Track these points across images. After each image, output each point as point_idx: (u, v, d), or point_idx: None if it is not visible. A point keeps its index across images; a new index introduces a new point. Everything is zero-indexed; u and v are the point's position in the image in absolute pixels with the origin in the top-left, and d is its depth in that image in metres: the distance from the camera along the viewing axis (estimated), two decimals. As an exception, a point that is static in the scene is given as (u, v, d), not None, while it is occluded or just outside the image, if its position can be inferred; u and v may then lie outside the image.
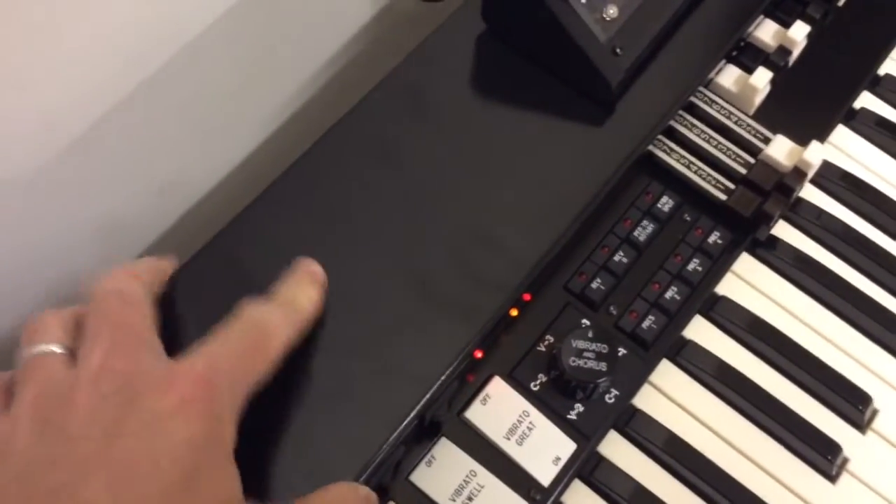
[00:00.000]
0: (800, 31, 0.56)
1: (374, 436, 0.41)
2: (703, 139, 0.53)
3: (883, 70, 0.60)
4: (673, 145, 0.53)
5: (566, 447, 0.46)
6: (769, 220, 0.52)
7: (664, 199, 0.52)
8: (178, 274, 0.43)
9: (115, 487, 0.32)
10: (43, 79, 0.42)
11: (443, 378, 0.42)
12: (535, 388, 0.47)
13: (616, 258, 0.50)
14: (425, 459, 0.45)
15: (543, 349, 0.48)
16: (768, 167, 0.53)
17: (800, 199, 0.55)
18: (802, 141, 0.53)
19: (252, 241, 0.45)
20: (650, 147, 0.53)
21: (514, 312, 0.48)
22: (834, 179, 0.56)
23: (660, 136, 0.53)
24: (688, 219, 0.52)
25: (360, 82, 0.52)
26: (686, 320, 0.50)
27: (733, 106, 0.55)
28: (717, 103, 0.55)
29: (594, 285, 0.49)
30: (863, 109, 0.59)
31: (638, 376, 0.48)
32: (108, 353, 0.35)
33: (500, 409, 0.46)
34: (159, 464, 0.33)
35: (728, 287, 0.52)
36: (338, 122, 0.48)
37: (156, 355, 0.36)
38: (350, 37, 0.61)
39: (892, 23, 0.61)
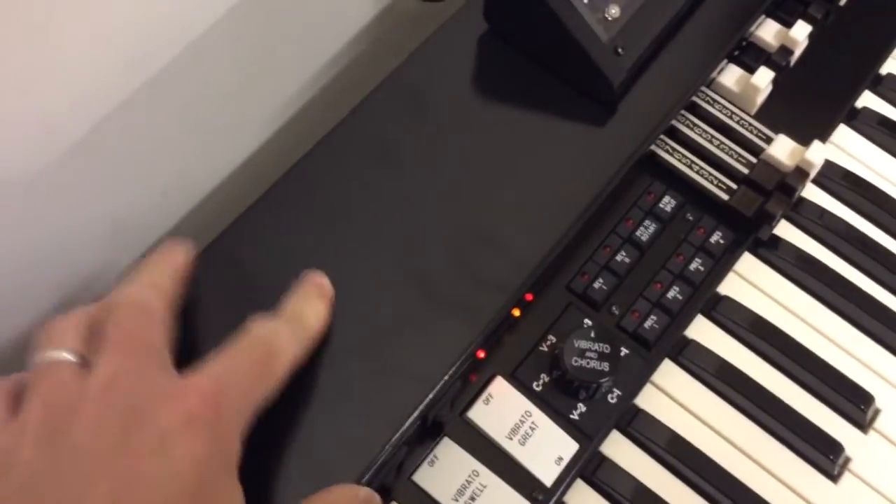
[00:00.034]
0: (801, 31, 0.56)
1: (376, 436, 0.41)
2: (705, 139, 0.53)
3: (885, 69, 0.60)
4: (675, 145, 0.53)
5: (568, 447, 0.46)
6: (771, 220, 0.52)
7: (666, 198, 0.52)
8: (199, 260, 0.43)
9: (118, 503, 0.32)
10: (44, 81, 0.42)
11: (445, 378, 0.42)
12: (537, 388, 0.47)
13: (618, 258, 0.50)
14: (428, 459, 0.45)
15: (546, 349, 0.48)
16: (770, 167, 0.53)
17: (802, 199, 0.55)
18: (804, 140, 0.53)
19: (254, 242, 0.45)
20: (652, 147, 0.53)
21: (516, 312, 0.48)
22: (836, 179, 0.56)
23: (662, 136, 0.53)
24: (690, 218, 0.52)
25: (361, 82, 0.52)
26: (688, 320, 0.50)
27: (735, 106, 0.55)
28: (718, 103, 0.55)
29: (596, 285, 0.49)
30: (864, 109, 0.59)
31: (640, 376, 0.48)
32: (119, 366, 0.35)
33: (502, 409, 0.46)
34: (164, 480, 0.33)
35: (730, 287, 0.52)
36: (340, 122, 0.48)
37: (166, 370, 0.36)
38: (351, 37, 0.61)
39: (894, 22, 0.60)
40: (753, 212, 0.52)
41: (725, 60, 0.56)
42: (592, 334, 0.46)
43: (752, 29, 0.57)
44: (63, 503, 0.32)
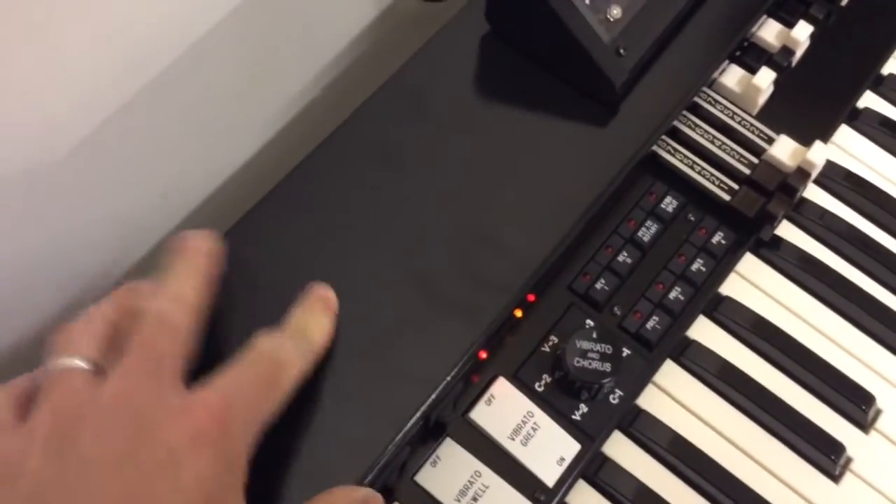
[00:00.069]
0: (803, 31, 0.56)
1: (379, 436, 0.41)
2: (707, 139, 0.54)
3: (886, 70, 0.60)
4: (676, 146, 0.53)
5: (570, 448, 0.46)
6: (773, 221, 0.52)
7: (668, 199, 0.52)
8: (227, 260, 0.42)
9: None
10: (45, 82, 0.42)
11: (447, 379, 0.43)
12: (539, 389, 0.47)
13: (620, 258, 0.50)
14: (430, 460, 0.45)
15: (548, 350, 0.48)
16: (772, 167, 0.53)
17: (803, 199, 0.55)
18: (806, 141, 0.53)
19: (257, 243, 0.45)
20: (654, 147, 0.53)
21: (518, 313, 0.48)
22: (837, 179, 0.56)
23: (663, 137, 0.53)
24: (691, 219, 0.52)
25: (362, 83, 0.52)
26: (690, 321, 0.50)
27: (737, 106, 0.55)
28: (720, 103, 0.55)
29: (598, 286, 0.49)
30: (866, 109, 0.59)
31: (642, 377, 0.48)
32: (134, 380, 0.35)
33: (504, 409, 0.46)
34: (170, 496, 0.33)
35: (732, 287, 0.52)
36: (342, 123, 0.48)
37: (177, 387, 0.36)
38: (353, 37, 0.61)
39: (895, 22, 0.61)
40: (755, 212, 0.52)
41: (727, 61, 0.56)
42: (594, 335, 0.47)
43: (754, 29, 0.57)
44: None
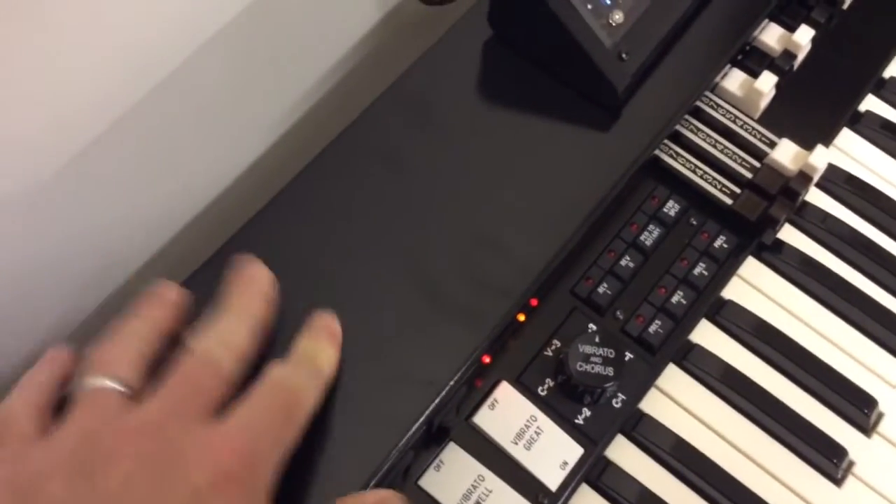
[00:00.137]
0: (804, 35, 0.56)
1: (383, 441, 0.41)
2: (709, 143, 0.54)
3: (888, 73, 0.60)
4: (679, 150, 0.53)
5: (573, 452, 0.46)
6: (775, 224, 0.52)
7: (670, 203, 0.52)
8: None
9: None
10: (53, 89, 0.42)
11: (451, 383, 0.43)
12: (542, 393, 0.47)
13: (622, 263, 0.50)
14: (434, 464, 0.45)
15: (550, 354, 0.48)
16: (774, 171, 0.53)
17: (805, 203, 0.55)
18: (808, 145, 0.53)
19: (262, 247, 0.45)
20: (656, 151, 0.53)
21: (521, 317, 0.48)
22: (839, 183, 0.56)
23: (666, 141, 0.53)
24: (694, 223, 0.52)
25: (367, 86, 0.52)
26: (692, 324, 0.50)
27: (739, 110, 0.55)
28: (722, 107, 0.55)
29: (601, 290, 0.49)
30: (868, 113, 0.59)
31: (645, 381, 0.48)
32: (167, 409, 0.34)
33: (507, 413, 0.46)
34: None
35: (734, 291, 0.52)
36: (346, 128, 0.48)
37: (207, 421, 0.35)
38: (357, 41, 0.61)
39: (897, 25, 0.61)
40: (757, 216, 0.52)
41: (729, 65, 0.56)
42: (597, 339, 0.47)
43: (756, 33, 0.57)
44: None
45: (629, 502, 0.46)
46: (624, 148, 0.50)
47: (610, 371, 0.46)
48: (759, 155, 0.54)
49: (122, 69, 0.45)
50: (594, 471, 0.46)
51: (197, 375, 0.36)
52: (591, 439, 0.46)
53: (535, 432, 0.46)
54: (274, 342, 0.41)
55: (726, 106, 0.55)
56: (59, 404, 0.37)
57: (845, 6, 0.60)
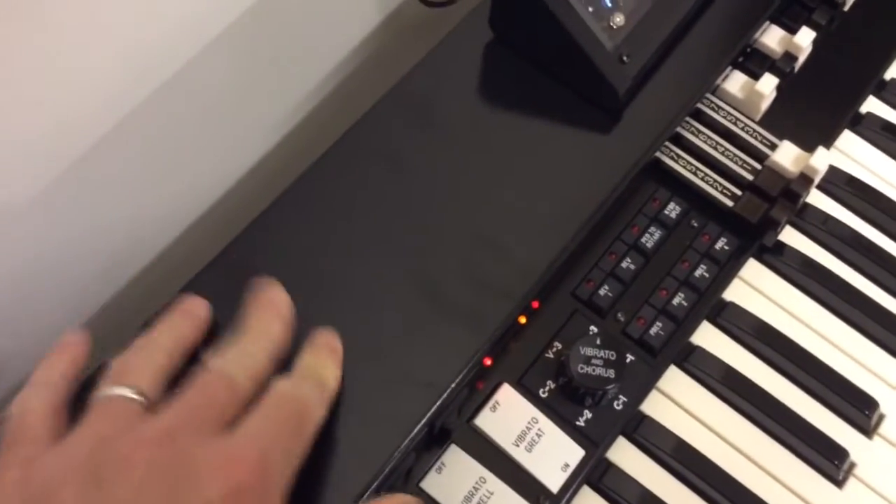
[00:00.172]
0: (805, 37, 0.56)
1: (384, 443, 0.41)
2: (710, 145, 0.54)
3: (889, 75, 0.60)
4: (680, 152, 0.54)
5: (575, 453, 0.46)
6: (776, 226, 0.52)
7: (671, 205, 0.52)
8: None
9: None
10: (56, 90, 0.42)
11: (452, 385, 0.43)
12: (543, 395, 0.47)
13: (623, 265, 0.50)
14: (435, 466, 0.45)
15: (552, 356, 0.48)
16: (775, 173, 0.53)
17: (806, 205, 0.55)
18: (809, 146, 0.53)
19: (264, 249, 0.45)
20: (657, 154, 0.53)
21: (522, 320, 0.48)
22: (840, 185, 0.56)
23: (667, 143, 0.53)
24: (695, 225, 0.52)
25: (369, 88, 0.52)
26: (693, 326, 0.50)
27: (740, 112, 0.55)
28: (723, 109, 0.55)
29: (602, 292, 0.50)
30: (869, 114, 0.59)
31: (646, 383, 0.49)
32: (182, 421, 0.34)
33: (509, 416, 0.46)
34: None
35: (735, 293, 0.52)
36: (348, 130, 0.49)
37: (220, 434, 0.35)
38: (358, 43, 0.61)
39: (898, 27, 0.61)
40: (758, 218, 0.52)
41: (730, 67, 0.56)
42: (598, 341, 0.47)
43: (757, 35, 0.57)
44: None
45: (630, 504, 0.46)
46: (625, 150, 0.50)
47: (611, 373, 0.46)
48: (760, 157, 0.54)
49: (125, 71, 0.45)
50: (595, 472, 0.46)
51: (213, 389, 0.36)
52: (593, 441, 0.46)
53: (537, 434, 0.46)
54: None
55: (727, 108, 0.55)
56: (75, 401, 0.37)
57: (846, 8, 0.60)
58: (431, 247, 0.46)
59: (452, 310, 0.44)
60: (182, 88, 0.49)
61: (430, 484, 0.45)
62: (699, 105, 0.55)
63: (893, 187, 0.57)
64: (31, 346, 0.47)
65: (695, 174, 0.53)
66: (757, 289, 0.52)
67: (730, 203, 0.52)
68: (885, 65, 0.60)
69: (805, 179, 0.53)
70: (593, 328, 0.49)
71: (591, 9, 0.48)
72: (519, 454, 0.45)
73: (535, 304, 0.48)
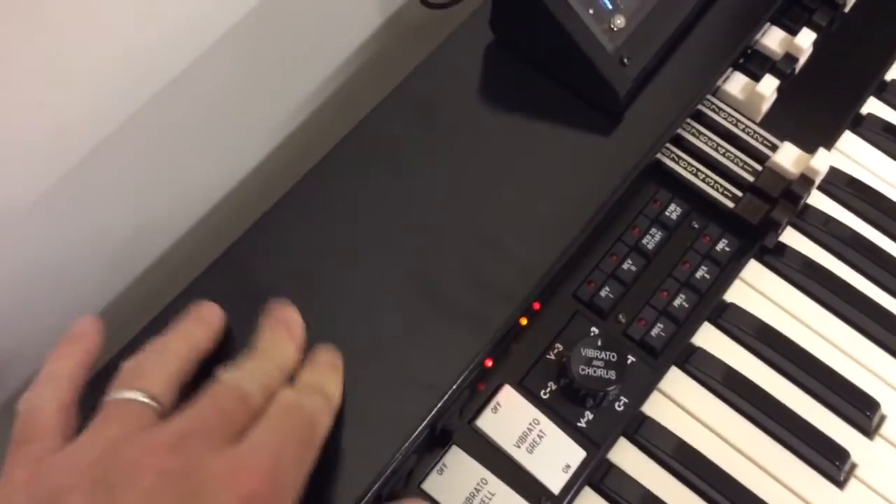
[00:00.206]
0: (806, 39, 0.56)
1: (386, 445, 0.41)
2: (711, 147, 0.54)
3: (889, 76, 0.60)
4: (680, 153, 0.54)
5: (576, 455, 0.46)
6: (777, 227, 0.52)
7: (672, 206, 0.52)
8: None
9: None
10: (57, 92, 0.42)
11: (454, 387, 0.43)
12: (544, 397, 0.47)
13: (624, 266, 0.50)
14: (437, 468, 0.45)
15: (553, 357, 0.48)
16: (775, 174, 0.53)
17: (807, 206, 0.55)
18: (809, 148, 0.53)
19: (266, 250, 0.45)
20: (658, 155, 0.53)
21: (523, 321, 0.48)
22: (841, 186, 0.56)
23: (667, 145, 0.53)
24: (696, 226, 0.52)
25: (370, 89, 0.52)
26: (694, 328, 0.51)
27: (740, 113, 0.55)
28: (724, 111, 0.55)
29: (603, 293, 0.50)
30: (869, 115, 0.59)
31: (647, 384, 0.49)
32: (194, 427, 0.34)
33: (510, 417, 0.46)
34: None
35: (736, 294, 0.52)
36: (349, 132, 0.49)
37: (231, 444, 0.35)
38: (359, 45, 0.62)
39: (898, 28, 0.61)
40: (759, 219, 0.52)
41: (730, 68, 0.56)
42: (599, 342, 0.47)
43: (757, 37, 0.57)
44: None
45: (632, 505, 0.46)
46: (626, 152, 0.50)
47: (612, 374, 0.46)
48: (760, 158, 0.54)
49: (127, 72, 0.45)
50: (597, 474, 0.46)
51: (225, 400, 0.36)
52: (594, 442, 0.46)
53: (538, 435, 0.46)
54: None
55: (728, 109, 0.55)
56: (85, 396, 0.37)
57: (847, 9, 0.60)
58: (433, 248, 0.46)
59: (454, 311, 0.44)
60: (183, 90, 0.49)
61: (432, 485, 0.45)
62: (700, 106, 0.55)
63: (894, 188, 0.57)
64: (32, 348, 0.47)
65: (696, 175, 0.53)
66: (758, 290, 0.52)
67: (731, 204, 0.52)
68: (886, 66, 0.60)
69: (806, 181, 0.53)
70: (594, 329, 0.49)
71: (591, 11, 0.48)
72: (520, 455, 0.45)
73: (537, 306, 0.48)
